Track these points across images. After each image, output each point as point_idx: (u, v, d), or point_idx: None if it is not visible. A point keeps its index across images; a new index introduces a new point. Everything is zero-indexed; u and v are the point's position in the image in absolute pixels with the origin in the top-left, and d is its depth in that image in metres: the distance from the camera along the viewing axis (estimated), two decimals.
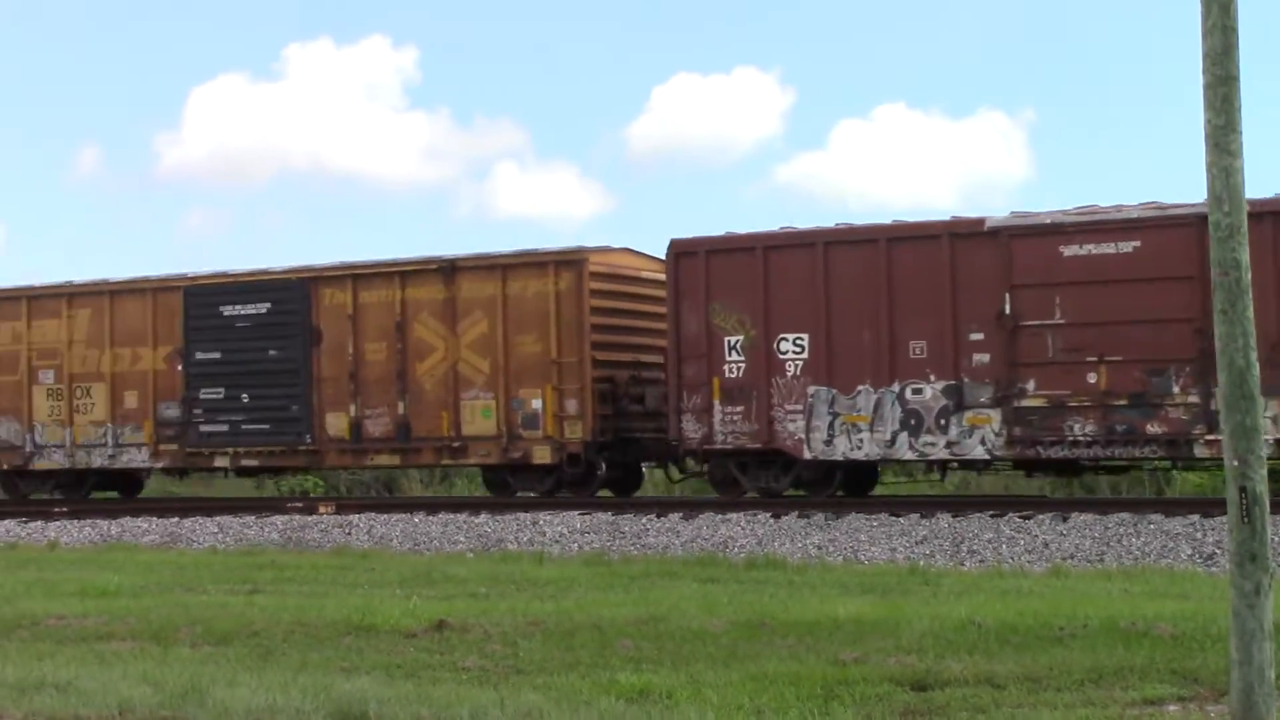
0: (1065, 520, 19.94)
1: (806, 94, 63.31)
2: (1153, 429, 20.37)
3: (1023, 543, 19.14)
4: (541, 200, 64.39)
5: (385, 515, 23.48)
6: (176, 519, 24.37)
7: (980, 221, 21.40)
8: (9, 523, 25.06)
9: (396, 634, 12.45)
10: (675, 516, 21.92)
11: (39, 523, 24.95)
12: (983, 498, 24.05)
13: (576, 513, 22.53)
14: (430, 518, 23.07)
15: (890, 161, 60.59)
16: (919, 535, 19.73)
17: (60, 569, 18.35)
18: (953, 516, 20.60)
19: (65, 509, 26.10)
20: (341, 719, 8.86)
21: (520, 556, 19.57)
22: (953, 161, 60.68)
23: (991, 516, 20.48)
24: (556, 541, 21.03)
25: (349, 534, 22.41)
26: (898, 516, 20.86)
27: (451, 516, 22.99)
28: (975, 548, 19.06)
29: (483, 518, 22.74)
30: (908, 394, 21.51)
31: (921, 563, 18.13)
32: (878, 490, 24.49)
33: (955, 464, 22.45)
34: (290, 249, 77.31)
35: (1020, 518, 20.28)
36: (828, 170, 62.75)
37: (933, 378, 21.40)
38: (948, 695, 9.54)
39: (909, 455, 21.68)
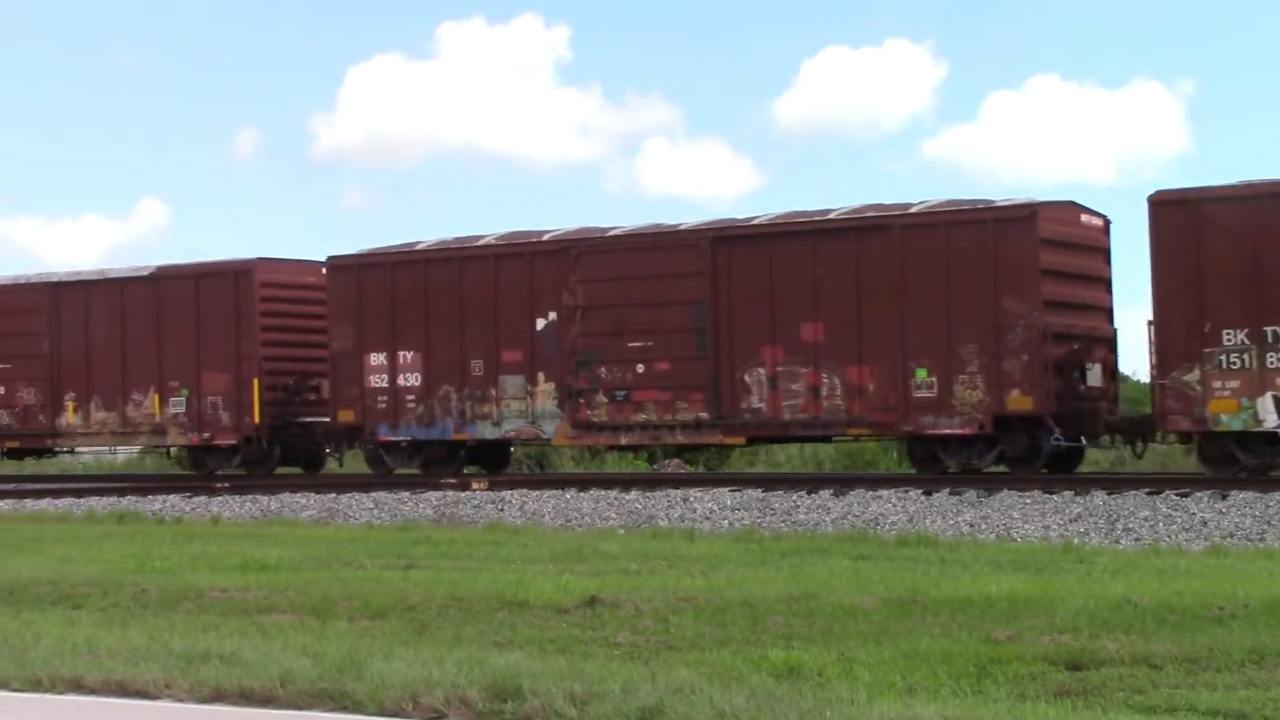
0: (1224, 498, 19.56)
1: (958, 66, 62.64)
2: None
3: (1180, 520, 18.80)
4: (691, 176, 64.48)
5: (537, 491, 23.71)
6: (334, 495, 24.81)
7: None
8: (174, 498, 25.71)
9: (549, 609, 12.57)
10: (826, 493, 21.87)
11: (203, 498, 25.56)
12: (1139, 475, 23.65)
13: (727, 489, 22.57)
14: (581, 494, 23.26)
15: (1043, 134, 59.76)
16: (1073, 512, 19.47)
17: (223, 543, 18.79)
18: (1107, 494, 20.31)
19: (227, 484, 26.73)
20: (495, 692, 8.97)
21: (671, 533, 19.65)
22: (1107, 134, 59.64)
23: (1148, 494, 20.16)
24: (707, 518, 21.08)
25: (501, 510, 22.66)
26: (1051, 493, 20.62)
27: (602, 493, 23.16)
28: (1131, 525, 18.77)
29: (633, 494, 22.87)
30: None
31: (1075, 540, 17.89)
32: None
33: None
34: (443, 228, 78.17)
35: (1177, 495, 19.93)
36: (978, 144, 62.06)
37: None
38: (1103, 675, 9.44)
39: None
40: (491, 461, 27.85)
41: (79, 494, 26.86)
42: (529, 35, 64.64)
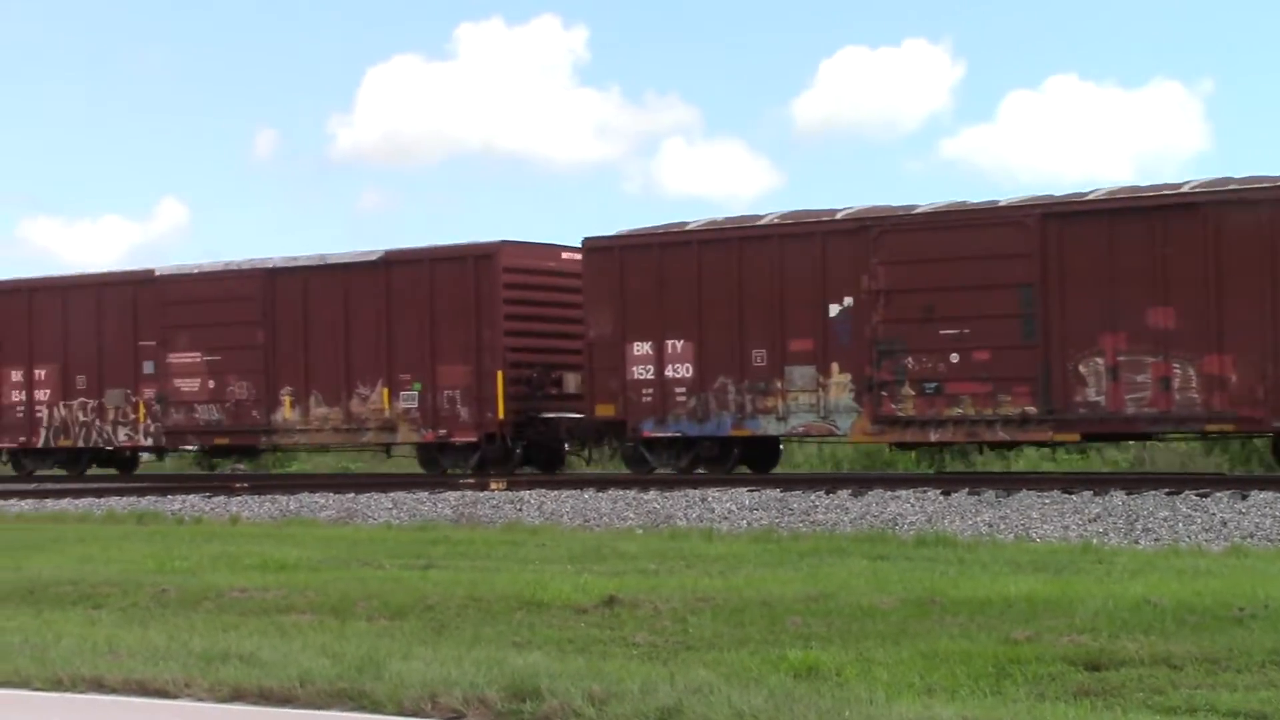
0: (1244, 498, 19.50)
1: (976, 66, 62.58)
2: None
3: (1200, 520, 18.75)
4: (710, 177, 64.49)
5: (555, 491, 23.72)
6: (352, 494, 24.85)
7: None
8: (194, 498, 25.78)
9: (567, 609, 12.58)
10: (844, 493, 21.85)
11: (221, 498, 25.62)
12: (1158, 475, 23.60)
13: (745, 489, 22.56)
14: (600, 494, 23.26)
15: (1061, 134, 59.63)
16: (1092, 513, 19.43)
17: (242, 543, 18.83)
18: (1127, 494, 20.27)
19: (246, 484, 26.77)
20: (514, 692, 8.99)
21: (689, 533, 19.65)
22: (1126, 134, 59.51)
23: (1167, 494, 20.10)
24: (725, 518, 21.08)
25: (520, 510, 22.68)
26: (1070, 494, 20.57)
27: (621, 493, 23.16)
28: (1150, 525, 18.72)
29: (651, 494, 22.87)
30: None
31: (1095, 541, 17.84)
32: None
33: None
34: (462, 228, 78.29)
35: (1197, 495, 19.88)
36: (996, 144, 61.97)
37: None
38: (1123, 675, 9.42)
39: None
40: (761, 460, 25.90)
41: (99, 494, 26.93)
42: (547, 36, 64.75)
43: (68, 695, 9.88)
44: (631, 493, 23.09)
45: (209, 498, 25.74)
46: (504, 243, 26.62)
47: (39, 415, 30.45)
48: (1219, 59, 59.93)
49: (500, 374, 26.04)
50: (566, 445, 27.16)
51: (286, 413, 28.11)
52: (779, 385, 23.90)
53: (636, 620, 12.04)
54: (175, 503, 25.36)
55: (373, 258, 27.37)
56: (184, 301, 29.11)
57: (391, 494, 24.57)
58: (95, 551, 18.18)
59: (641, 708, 8.48)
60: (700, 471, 24.77)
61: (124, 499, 26.05)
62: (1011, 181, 71.66)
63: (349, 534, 20.57)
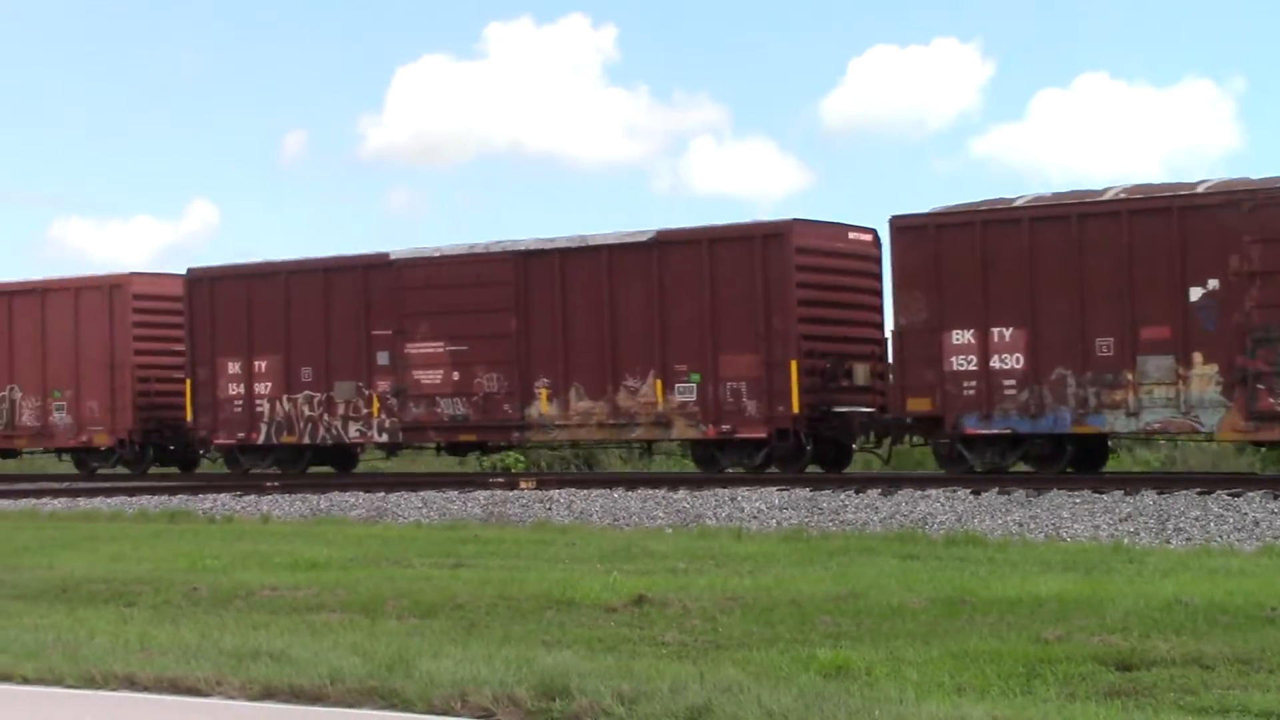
0: (1277, 498, 19.40)
1: (1006, 65, 62.32)
2: None
3: (1231, 520, 18.66)
4: (739, 176, 64.39)
5: (585, 490, 23.74)
6: (383, 493, 24.91)
7: None
8: (225, 496, 25.88)
9: (597, 608, 12.60)
10: (874, 492, 21.81)
11: (252, 496, 25.72)
12: (1190, 474, 23.48)
13: (775, 489, 22.53)
14: (629, 493, 23.27)
15: (1091, 133, 59.32)
16: (1123, 512, 19.35)
17: (273, 542, 18.90)
18: (1158, 493, 20.18)
19: (276, 484, 26.84)
20: (544, 691, 9.00)
21: (718, 532, 19.65)
22: (1157, 132, 59.21)
23: (1199, 493, 20.01)
24: (754, 517, 21.06)
25: (549, 509, 22.71)
26: (1101, 493, 20.50)
27: (650, 492, 23.16)
28: (1182, 525, 18.64)
29: (681, 493, 22.87)
30: None
31: (1126, 540, 17.78)
32: None
33: None
34: (492, 228, 78.41)
35: (1229, 495, 19.78)
36: (1026, 142, 61.71)
37: None
38: (1154, 675, 9.39)
39: None
40: (1086, 460, 23.46)
41: (131, 492, 27.05)
42: (576, 35, 64.69)
43: (100, 693, 9.95)
44: (661, 492, 23.09)
45: (240, 496, 25.83)
46: (795, 221, 24.60)
47: (259, 410, 28.37)
48: (1251, 57, 59.61)
49: (794, 364, 23.93)
50: (854, 443, 25.23)
51: (543, 406, 25.86)
52: (1129, 378, 21.67)
53: (666, 619, 12.05)
54: (206, 501, 25.46)
55: (642, 238, 25.31)
56: (424, 287, 26.83)
57: (421, 493, 24.63)
58: (127, 550, 18.27)
59: (671, 707, 8.49)
60: (1028, 471, 23.01)
61: (156, 498, 26.16)
62: (1042, 181, 71.29)
63: (379, 532, 20.63)
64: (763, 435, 24.28)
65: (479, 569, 15.73)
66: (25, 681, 10.30)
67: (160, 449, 31.19)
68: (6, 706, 9.72)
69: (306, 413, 28.02)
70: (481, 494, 24.22)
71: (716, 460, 25.07)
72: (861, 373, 24.61)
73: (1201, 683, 9.17)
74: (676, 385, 24.87)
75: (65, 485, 29.39)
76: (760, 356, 24.21)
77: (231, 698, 9.61)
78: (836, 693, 8.70)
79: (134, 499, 26.09)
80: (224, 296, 28.94)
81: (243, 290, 28.76)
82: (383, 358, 27.27)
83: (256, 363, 28.51)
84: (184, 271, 29.83)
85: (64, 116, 68.93)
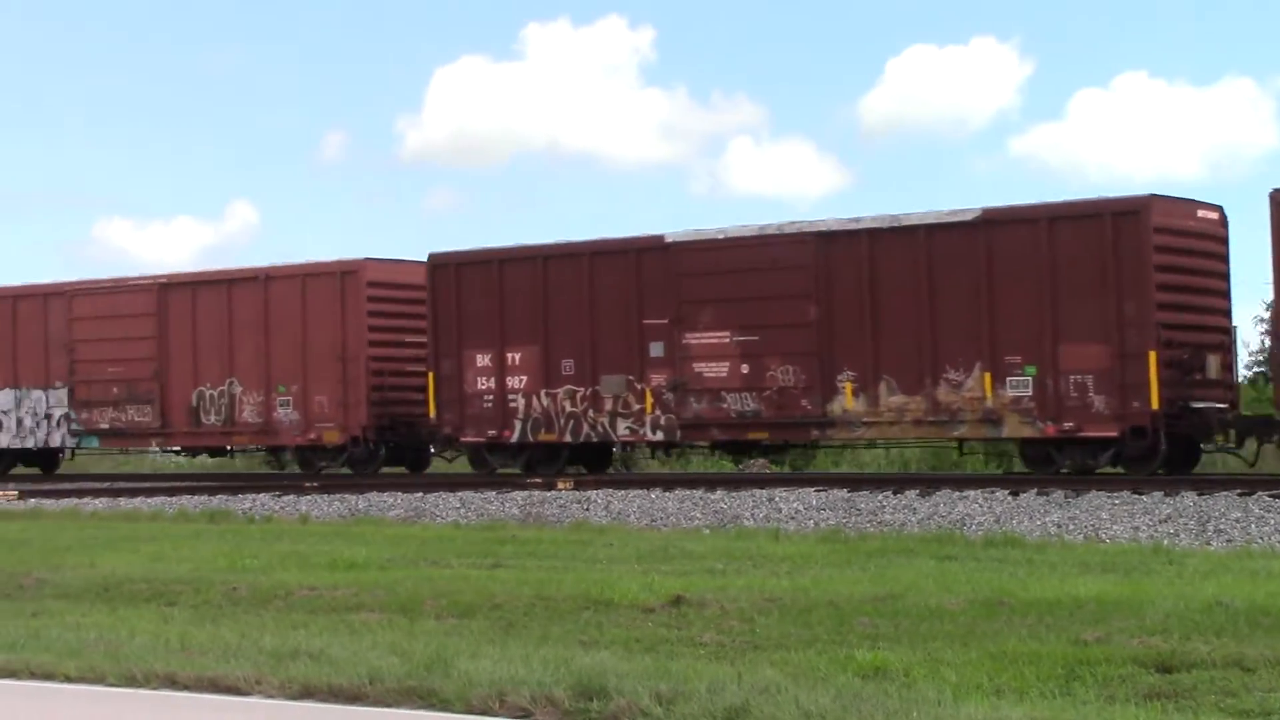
0: None
1: (1045, 64, 62.12)
2: None
3: (1273, 522, 18.54)
4: (776, 176, 64.34)
5: (622, 491, 23.75)
6: (420, 494, 24.97)
7: None
8: (264, 497, 25.99)
9: (634, 609, 12.61)
10: (912, 493, 21.76)
11: (291, 497, 25.82)
12: (1230, 476, 23.31)
13: (812, 489, 22.50)
14: (666, 494, 23.27)
15: (1131, 132, 59.06)
16: (1163, 513, 19.25)
17: (311, 542, 18.97)
18: (1198, 494, 20.07)
19: (315, 484, 26.92)
20: (582, 691, 9.02)
21: (756, 533, 19.63)
22: (1197, 131, 58.90)
23: (1239, 495, 19.88)
24: (792, 518, 21.04)
25: (587, 509, 22.73)
26: (1140, 494, 20.40)
27: (688, 493, 23.16)
28: (1222, 527, 18.53)
29: (718, 494, 22.86)
30: None
31: (1165, 542, 17.69)
32: None
33: None
34: (528, 228, 78.53)
35: (1270, 496, 19.64)
36: (1065, 142, 61.49)
37: None
38: (1194, 678, 9.34)
39: None
40: None
41: (171, 492, 27.20)
42: (614, 36, 64.75)
43: (141, 691, 10.01)
44: (698, 492, 23.08)
45: (279, 496, 25.94)
46: (1154, 196, 22.45)
47: (513, 405, 26.22)
48: None
49: (1153, 355, 21.78)
50: (1209, 442, 23.24)
51: (847, 402, 23.75)
52: None
53: (704, 620, 12.05)
54: (246, 501, 25.58)
55: (967, 217, 23.15)
56: (707, 272, 24.76)
57: (459, 493, 24.68)
58: (168, 550, 18.37)
59: (709, 707, 8.49)
60: None
61: (196, 497, 26.30)
62: (1082, 180, 71.05)
63: (417, 533, 20.68)
64: (1113, 433, 22.20)
65: (517, 569, 15.76)
66: (68, 680, 10.38)
67: (393, 448, 28.99)
68: (50, 705, 9.80)
69: (568, 409, 25.90)
70: (519, 494, 24.26)
71: (1051, 460, 22.98)
72: (1214, 365, 22.77)
73: (1242, 685, 9.12)
74: (1008, 379, 22.70)
75: (106, 485, 29.57)
76: (1111, 346, 22.10)
77: (271, 697, 9.66)
78: (874, 694, 8.68)
79: (174, 499, 26.23)
80: (472, 283, 26.71)
81: (493, 276, 26.57)
82: (657, 349, 25.25)
83: (510, 354, 26.42)
84: (423, 257, 27.56)
85: (106, 118, 69.41)
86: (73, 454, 33.46)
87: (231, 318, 29.42)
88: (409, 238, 78.32)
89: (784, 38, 64.74)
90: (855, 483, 23.13)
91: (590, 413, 25.66)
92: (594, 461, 27.71)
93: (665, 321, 25.09)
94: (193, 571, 15.90)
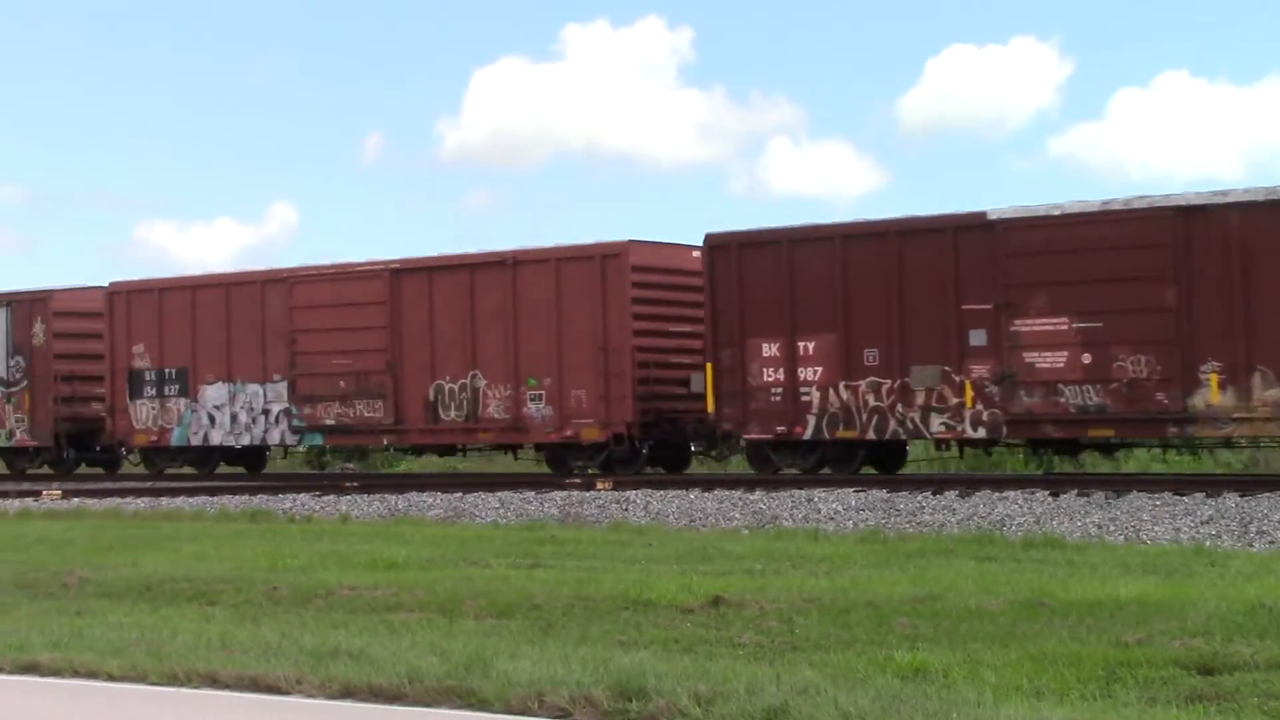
0: None
1: (1085, 63, 61.86)
2: None
3: None
4: (815, 177, 64.26)
5: (661, 491, 23.75)
6: (460, 494, 25.03)
7: None
8: (304, 496, 26.10)
9: (673, 609, 12.61)
10: (951, 494, 21.69)
11: (331, 496, 25.92)
12: (1273, 476, 23.15)
13: (851, 490, 22.46)
14: (705, 494, 23.26)
15: (1172, 131, 58.75)
16: (1204, 515, 19.14)
17: (351, 541, 19.04)
18: (1240, 495, 19.94)
19: (355, 484, 27.00)
20: (621, 691, 9.03)
21: (795, 533, 19.60)
22: (1239, 131, 58.54)
23: None
24: (831, 519, 21.01)
25: (626, 509, 22.74)
26: (1182, 495, 20.28)
27: (727, 493, 23.15)
28: (1265, 528, 18.41)
29: (757, 494, 22.84)
30: None
31: (1207, 543, 17.59)
32: None
33: None
34: (568, 229, 78.60)
35: None
36: (1105, 141, 61.21)
37: None
38: (1237, 680, 9.29)
39: None
40: None
41: (212, 492, 27.34)
42: (652, 37, 64.78)
43: (183, 690, 10.07)
44: (737, 493, 23.06)
45: (319, 496, 26.04)
46: None
47: (805, 399, 24.17)
48: None
49: None
50: None
51: (1211, 395, 21.60)
52: None
53: (743, 620, 12.04)
54: (286, 501, 25.69)
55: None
56: (1040, 252, 22.67)
57: (499, 493, 24.73)
58: (209, 549, 18.47)
59: (747, 708, 8.49)
60: None
61: (236, 497, 26.43)
62: (1122, 180, 70.73)
63: (456, 533, 20.73)
64: None
65: (556, 569, 15.78)
66: (110, 678, 10.46)
67: (656, 444, 26.93)
68: (92, 703, 9.87)
69: (871, 403, 23.79)
70: (558, 494, 24.30)
71: None
72: None
73: None
74: None
75: (149, 485, 29.73)
76: None
77: (311, 696, 9.70)
78: (914, 695, 8.67)
79: (215, 499, 26.36)
80: (756, 265, 24.59)
81: (781, 258, 24.42)
82: (978, 337, 23.11)
83: (802, 343, 24.30)
84: (695, 239, 25.84)
85: (147, 121, 69.82)
86: (286, 452, 32.04)
87: (474, 305, 27.23)
88: (447, 238, 78.54)
89: (823, 38, 64.70)
90: (895, 483, 23.07)
91: (899, 407, 23.55)
92: (887, 462, 25.53)
93: (989, 307, 22.98)
94: (234, 571, 15.98)
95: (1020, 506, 20.54)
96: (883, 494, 22.04)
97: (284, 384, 29.12)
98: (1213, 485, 20.91)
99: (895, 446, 25.16)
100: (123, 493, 27.97)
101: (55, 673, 10.72)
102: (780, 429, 24.49)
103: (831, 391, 24.05)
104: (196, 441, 30.35)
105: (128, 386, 30.78)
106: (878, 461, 25.23)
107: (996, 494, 21.35)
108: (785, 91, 69.95)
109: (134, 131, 70.10)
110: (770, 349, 24.46)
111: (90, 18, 69.43)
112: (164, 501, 26.47)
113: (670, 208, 67.58)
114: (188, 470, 31.74)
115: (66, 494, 27.76)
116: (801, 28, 65.36)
